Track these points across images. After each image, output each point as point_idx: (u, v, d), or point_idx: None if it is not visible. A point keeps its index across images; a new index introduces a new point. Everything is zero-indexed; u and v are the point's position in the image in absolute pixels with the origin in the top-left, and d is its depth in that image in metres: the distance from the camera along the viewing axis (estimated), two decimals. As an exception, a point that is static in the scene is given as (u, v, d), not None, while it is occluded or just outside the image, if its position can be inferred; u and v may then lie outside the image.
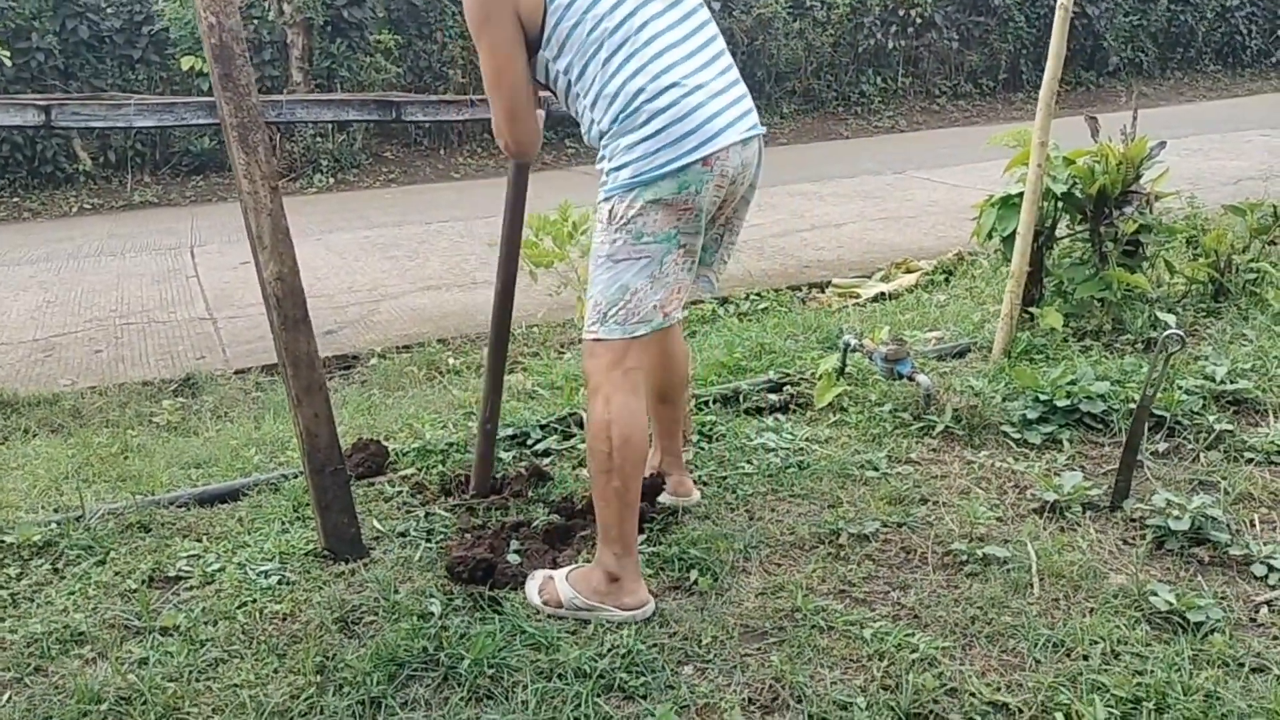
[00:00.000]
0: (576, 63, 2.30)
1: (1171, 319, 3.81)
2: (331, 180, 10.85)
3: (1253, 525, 2.72)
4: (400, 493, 3.08)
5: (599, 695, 2.11)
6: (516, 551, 2.67)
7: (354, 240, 7.96)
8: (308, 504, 2.85)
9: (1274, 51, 16.63)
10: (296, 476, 3.14)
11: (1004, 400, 3.46)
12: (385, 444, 3.33)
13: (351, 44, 11.35)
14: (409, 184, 10.92)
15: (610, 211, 2.29)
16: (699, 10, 2.39)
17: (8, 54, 2.83)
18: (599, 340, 2.35)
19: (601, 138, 2.33)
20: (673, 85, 2.25)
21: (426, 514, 2.93)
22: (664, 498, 2.87)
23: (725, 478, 3.08)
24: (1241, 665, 2.15)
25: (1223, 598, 2.40)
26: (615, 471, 2.32)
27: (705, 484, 3.01)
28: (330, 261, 7.25)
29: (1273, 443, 3.08)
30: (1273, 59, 16.67)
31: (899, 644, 2.23)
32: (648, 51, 2.26)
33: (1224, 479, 2.93)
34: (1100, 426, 3.32)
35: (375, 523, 2.88)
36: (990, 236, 4.19)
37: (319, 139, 11.09)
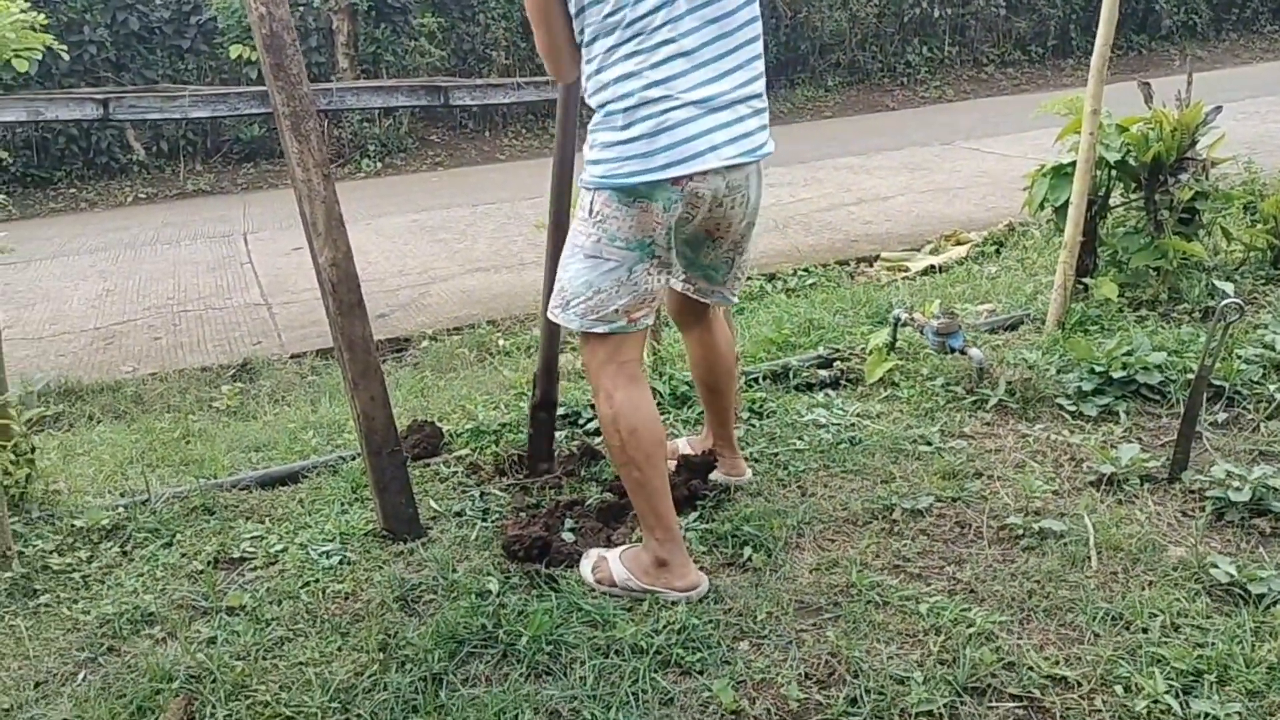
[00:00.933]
0: (589, 33, 2.27)
1: (1229, 287, 3.73)
2: (379, 165, 10.94)
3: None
4: (456, 473, 3.12)
5: (656, 671, 2.14)
6: (571, 530, 2.70)
7: (403, 224, 8.03)
8: (366, 485, 2.90)
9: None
10: (354, 458, 3.19)
11: (1058, 372, 3.42)
12: (439, 425, 3.37)
13: (395, 28, 11.41)
14: (455, 167, 10.98)
15: (590, 204, 2.30)
16: (739, 19, 2.26)
17: (64, 48, 2.90)
18: (589, 336, 2.36)
19: (591, 117, 2.32)
20: (664, 97, 2.19)
21: (482, 494, 2.97)
22: (717, 475, 2.88)
23: (777, 454, 3.08)
24: (1306, 637, 2.12)
25: (1286, 569, 2.37)
26: (631, 464, 2.35)
27: (756, 461, 3.02)
28: (380, 246, 7.33)
29: (1337, 412, 3.02)
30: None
31: (955, 618, 2.23)
32: (655, 55, 2.19)
33: (1286, 449, 2.88)
34: (1157, 398, 3.27)
35: (432, 503, 2.93)
36: (1042, 207, 4.13)
37: (366, 124, 11.18)
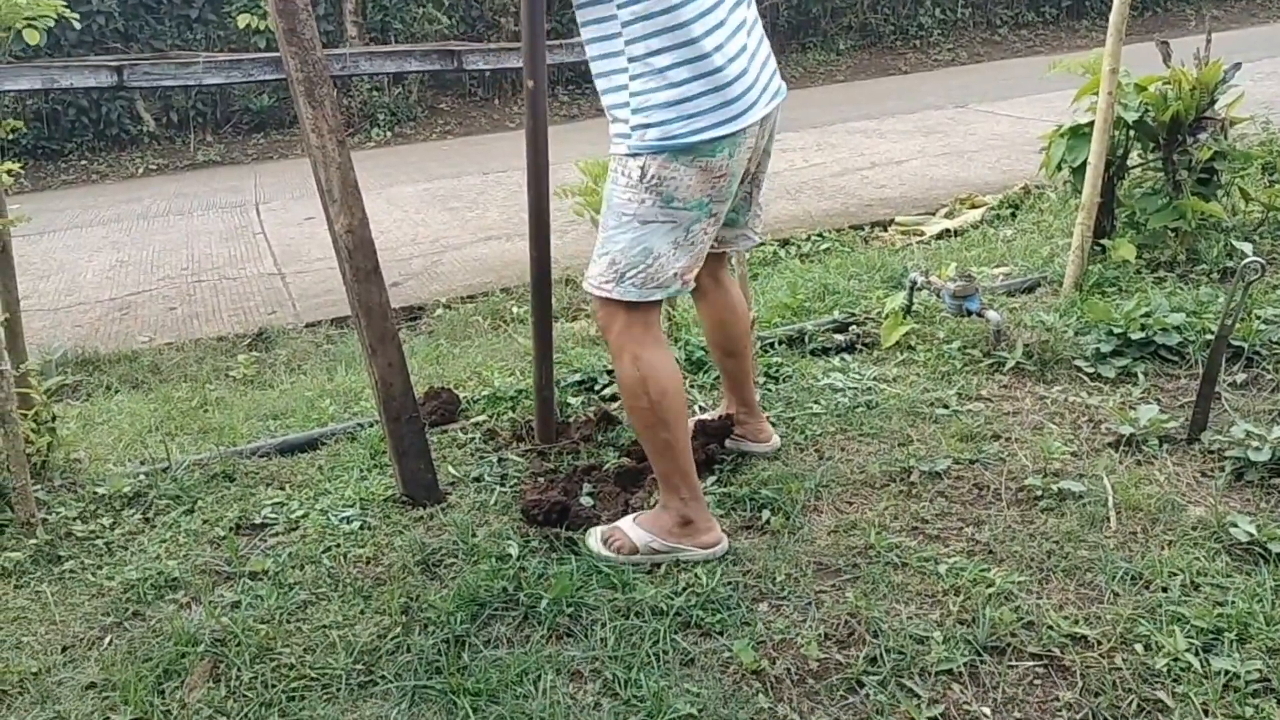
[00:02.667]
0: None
1: (1249, 247, 3.69)
2: (389, 134, 10.91)
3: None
4: (473, 439, 3.13)
5: (676, 632, 2.15)
6: (589, 494, 2.71)
7: (414, 193, 8.02)
8: (384, 452, 2.91)
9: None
10: (372, 425, 3.21)
11: (1076, 334, 3.40)
12: (456, 392, 3.38)
13: (403, -5, 11.33)
14: (465, 135, 10.95)
15: (642, 169, 2.19)
16: None
17: (76, 16, 2.89)
18: (611, 300, 2.29)
19: (632, 80, 2.18)
20: (717, 49, 2.16)
21: (499, 459, 2.98)
22: (748, 445, 2.88)
23: (794, 418, 3.09)
24: (1326, 595, 2.12)
25: (1306, 528, 2.36)
26: (660, 424, 2.32)
27: (774, 424, 3.01)
28: (392, 214, 7.32)
29: (1357, 371, 3.01)
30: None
31: (975, 579, 2.24)
32: (702, 6, 2.15)
33: (1306, 409, 2.87)
34: (1176, 359, 3.26)
35: (450, 468, 2.94)
36: (1059, 168, 4.10)
37: (376, 93, 11.15)
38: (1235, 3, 15.37)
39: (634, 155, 2.21)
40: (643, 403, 2.31)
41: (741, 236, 2.63)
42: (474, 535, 2.56)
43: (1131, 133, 3.95)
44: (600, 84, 2.28)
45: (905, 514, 2.54)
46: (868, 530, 2.46)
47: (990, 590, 2.20)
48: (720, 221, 2.37)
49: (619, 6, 2.14)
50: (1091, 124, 3.78)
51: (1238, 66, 3.91)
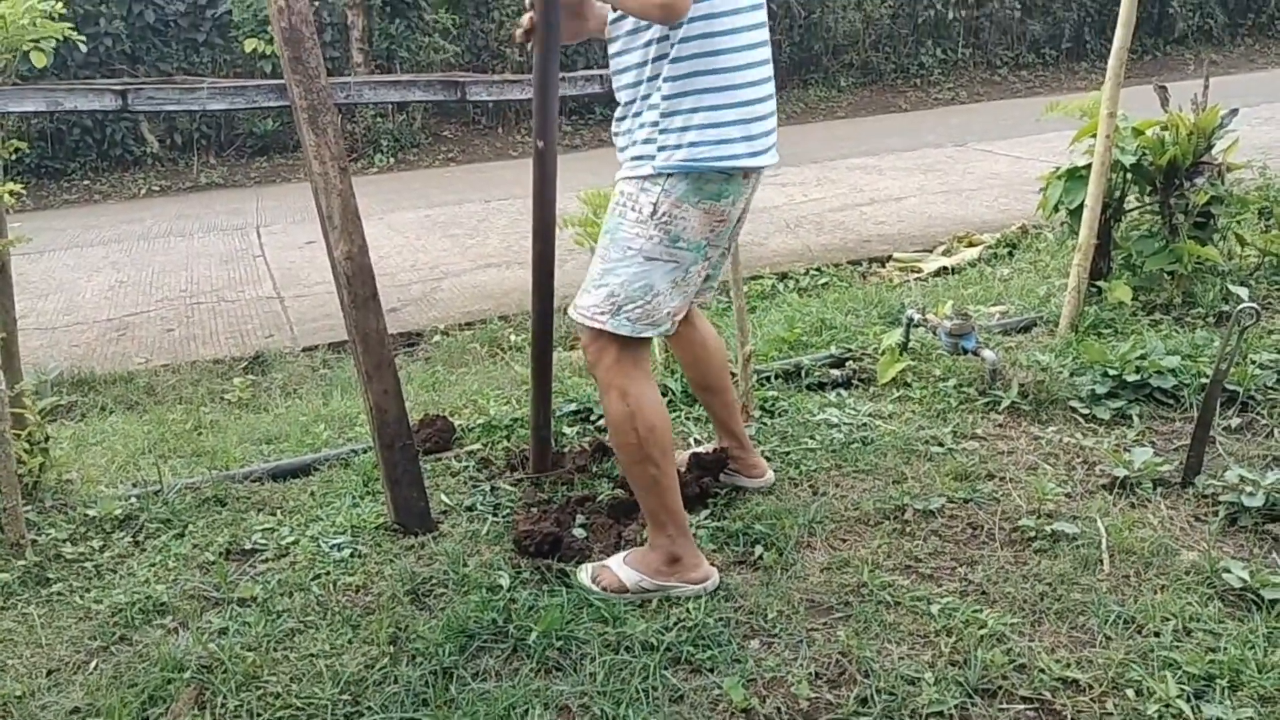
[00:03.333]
0: (726, 21, 2.19)
1: (1244, 292, 3.71)
2: (392, 160, 10.97)
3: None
4: (467, 467, 3.13)
5: (666, 668, 2.14)
6: (582, 525, 2.70)
7: (415, 219, 8.05)
8: (377, 479, 2.91)
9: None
10: (366, 452, 3.20)
11: (1071, 375, 3.41)
12: (451, 420, 3.38)
13: (410, 24, 11.43)
14: (468, 163, 11.00)
15: (654, 206, 2.23)
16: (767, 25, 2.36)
17: (83, 39, 2.92)
18: (604, 334, 2.29)
19: (664, 100, 2.20)
20: (749, 85, 2.23)
21: (493, 488, 2.97)
22: (741, 480, 2.87)
23: (788, 453, 3.08)
24: (1319, 644, 2.11)
25: (1299, 575, 2.35)
26: (647, 460, 2.32)
27: (768, 459, 3.01)
28: (393, 240, 7.34)
29: (1352, 418, 3.01)
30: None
31: (967, 620, 2.23)
32: (755, 54, 2.25)
33: (1300, 455, 2.87)
34: (1171, 402, 3.26)
35: (443, 497, 2.93)
36: (1057, 209, 4.13)
37: (379, 119, 11.21)
38: (1233, 49, 15.52)
39: (647, 188, 2.23)
40: (631, 438, 2.31)
41: (708, 288, 2.63)
42: (465, 565, 2.55)
43: (1129, 176, 3.98)
44: (631, 104, 2.29)
45: (898, 552, 2.53)
46: (861, 568, 2.45)
47: (982, 632, 2.19)
48: (709, 267, 2.41)
49: (671, 29, 2.17)
50: (1089, 166, 3.80)
51: (1234, 112, 3.94)
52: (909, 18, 13.80)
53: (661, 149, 2.21)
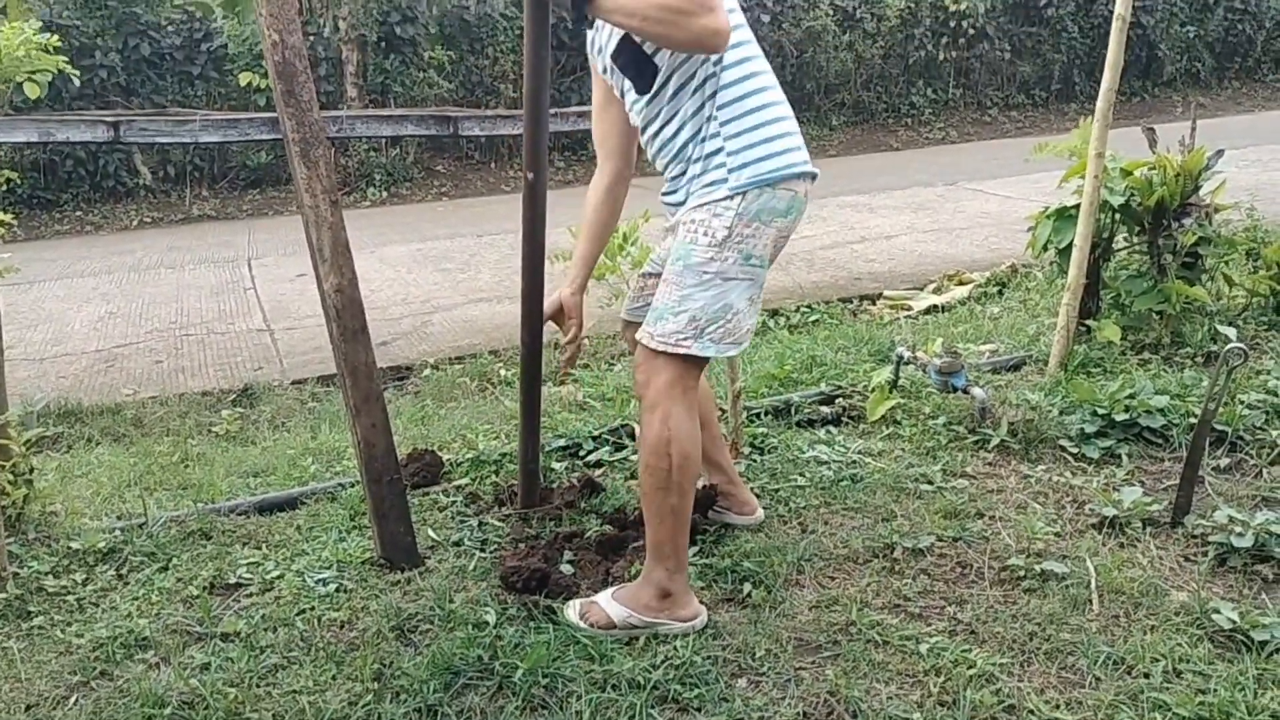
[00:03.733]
0: (748, 49, 2.37)
1: (1232, 332, 3.72)
2: (385, 194, 11.00)
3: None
4: (455, 502, 3.11)
5: (653, 706, 2.12)
6: (570, 562, 2.68)
7: (407, 253, 8.06)
8: (364, 513, 2.89)
9: (1336, 59, 16.26)
10: (353, 485, 3.18)
11: (1061, 414, 3.41)
12: (439, 454, 3.36)
13: (405, 60, 11.51)
14: (460, 197, 11.04)
15: (729, 230, 2.29)
16: None
17: (76, 73, 2.93)
18: (674, 356, 2.31)
19: (723, 127, 2.32)
20: (784, 104, 2.41)
21: (480, 524, 2.96)
22: (731, 517, 2.87)
23: (778, 490, 3.07)
24: (1309, 686, 2.10)
25: (1289, 617, 2.35)
26: (673, 489, 2.32)
27: (758, 496, 3.00)
28: (384, 274, 7.35)
29: (1340, 459, 3.01)
30: (1335, 67, 16.31)
31: (956, 659, 2.21)
32: (764, 66, 2.42)
33: (1289, 495, 2.87)
34: (1160, 441, 3.27)
35: (430, 532, 2.91)
36: (1046, 248, 4.15)
37: (373, 153, 11.26)
38: (1220, 92, 15.70)
39: (719, 213, 2.31)
40: (663, 463, 2.31)
41: None
42: (451, 601, 2.52)
43: (1117, 216, 4.01)
44: (686, 158, 2.38)
45: (887, 591, 2.52)
46: (849, 606, 2.44)
47: (971, 671, 2.17)
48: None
49: (715, 65, 2.31)
50: (1078, 206, 3.83)
51: (1220, 153, 3.98)
52: (900, 58, 13.94)
53: (732, 170, 2.31)
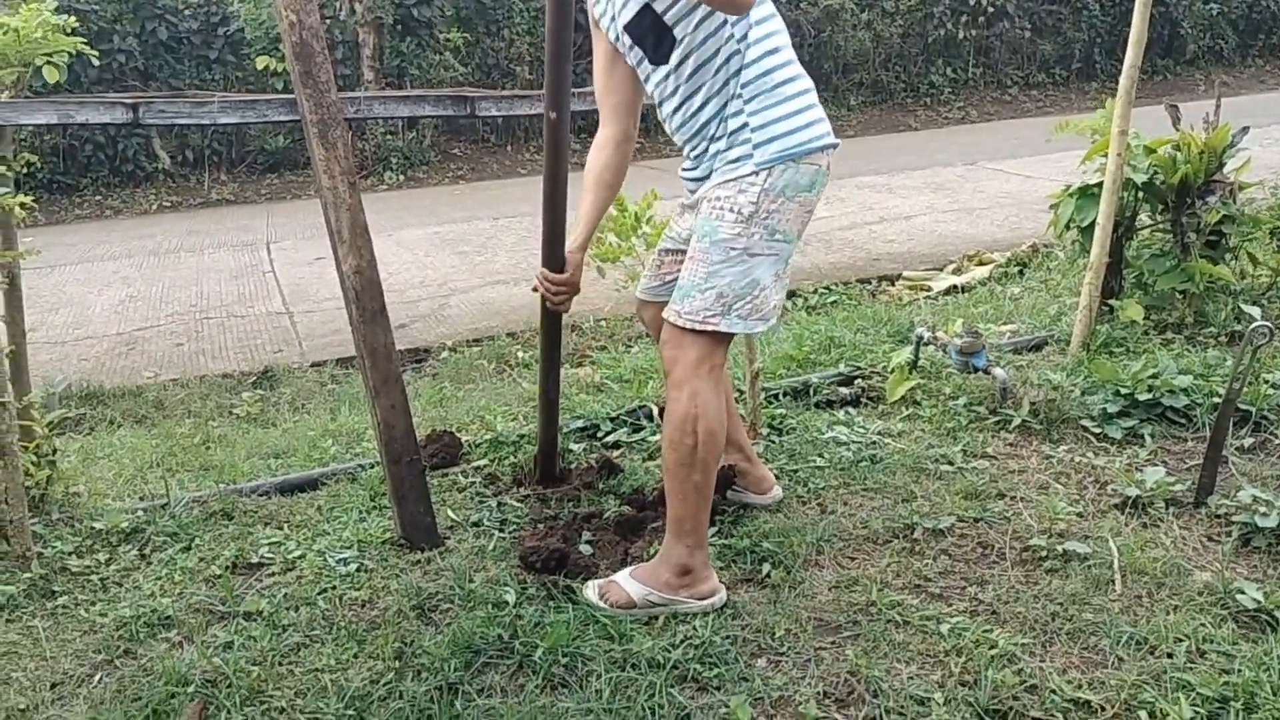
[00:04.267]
0: (772, 23, 2.37)
1: (1257, 311, 3.69)
2: (402, 177, 11.00)
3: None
4: (474, 483, 3.12)
5: (672, 685, 2.12)
6: (589, 542, 2.69)
7: (424, 236, 8.06)
8: (384, 494, 2.90)
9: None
10: (373, 466, 3.19)
11: (1083, 394, 3.39)
12: (458, 435, 3.37)
13: (421, 42, 11.49)
14: (477, 180, 11.04)
15: (755, 205, 2.29)
16: None
17: (95, 53, 2.94)
18: (702, 333, 2.31)
19: (747, 104, 2.31)
20: (804, 74, 2.41)
21: (499, 504, 2.96)
22: (750, 497, 2.86)
23: (796, 471, 3.07)
24: (1335, 666, 2.08)
25: (1314, 597, 2.32)
26: (697, 466, 2.31)
27: (777, 477, 2.99)
28: (401, 257, 7.36)
29: (1366, 438, 2.98)
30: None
31: (977, 640, 2.20)
32: (786, 41, 2.42)
33: (1314, 475, 2.85)
34: (1183, 421, 3.24)
35: (450, 512, 2.92)
36: (1068, 228, 4.11)
37: (389, 136, 11.26)
38: (1244, 70, 15.51)
39: (745, 188, 2.30)
40: (688, 440, 2.30)
41: None
42: (471, 581, 2.53)
43: (1140, 194, 3.97)
44: (708, 135, 2.37)
45: (908, 571, 2.51)
46: (869, 587, 2.43)
47: (993, 652, 2.16)
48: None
49: (739, 42, 2.30)
50: (1100, 185, 3.79)
51: (1245, 130, 3.93)
52: (919, 37, 13.82)
53: (757, 146, 2.30)
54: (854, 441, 3.25)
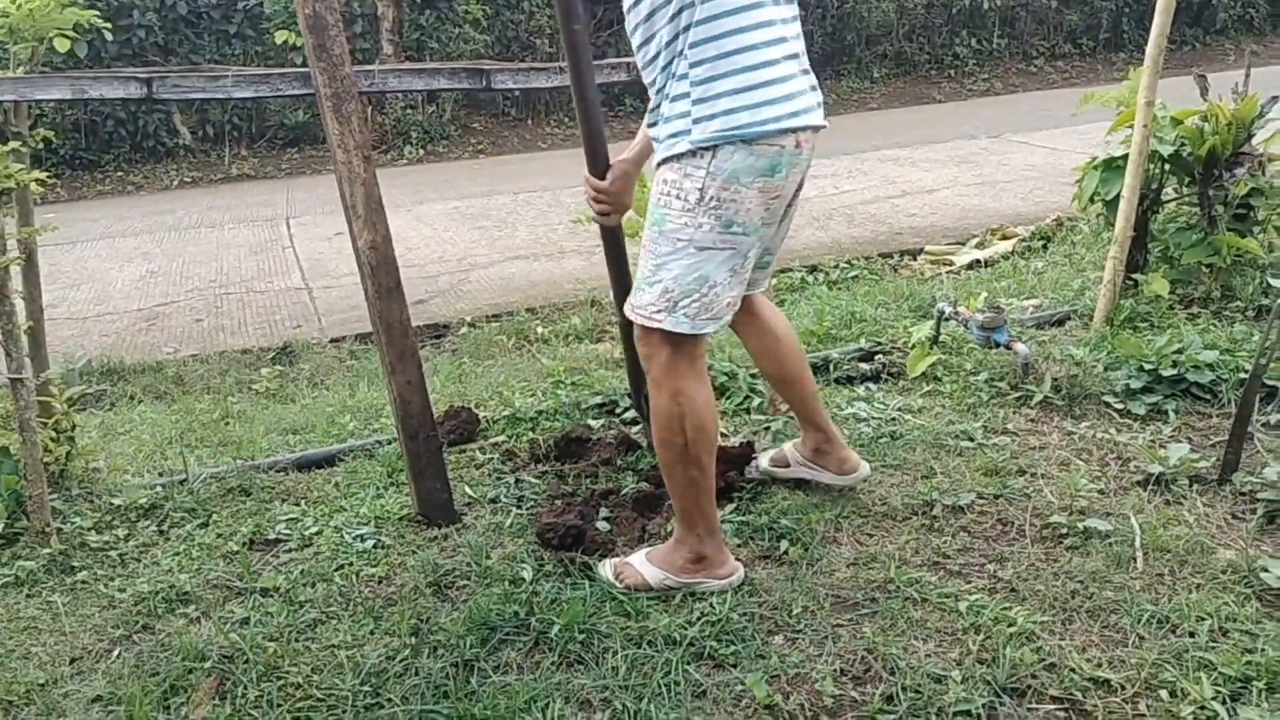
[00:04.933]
0: None
1: (1287, 285, 3.63)
2: (421, 152, 10.98)
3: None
4: (491, 459, 3.11)
5: (689, 662, 2.11)
6: (606, 519, 2.68)
7: (444, 211, 8.05)
8: (401, 470, 2.90)
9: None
10: (390, 443, 3.19)
11: (1106, 370, 3.34)
12: (476, 411, 3.36)
13: (440, 15, 11.45)
14: (497, 154, 11.00)
15: (701, 191, 2.10)
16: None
17: (109, 25, 2.93)
18: (662, 330, 2.20)
19: (692, 69, 2.09)
20: (775, 56, 2.12)
21: (517, 480, 2.96)
22: (829, 478, 2.72)
23: (815, 447, 3.04)
24: (1361, 646, 2.05)
25: (1340, 576, 2.29)
26: (690, 462, 2.26)
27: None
28: (421, 232, 7.35)
29: (1396, 415, 2.93)
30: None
31: (996, 617, 2.18)
32: (778, 11, 2.15)
33: (1342, 452, 2.80)
34: (1208, 397, 3.19)
35: (467, 489, 2.92)
36: (1093, 201, 4.05)
37: (409, 110, 11.24)
38: (1275, 38, 15.24)
39: (690, 172, 2.11)
40: (678, 439, 2.24)
41: (764, 276, 2.55)
42: (488, 557, 2.53)
43: (1166, 166, 3.90)
44: (662, 89, 2.17)
45: (926, 548, 2.49)
46: (887, 564, 2.41)
47: (1011, 630, 2.14)
48: (765, 248, 2.33)
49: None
50: (1126, 157, 3.72)
51: (1276, 99, 3.85)
52: (944, 7, 13.65)
53: (697, 121, 2.08)
54: (874, 418, 3.23)
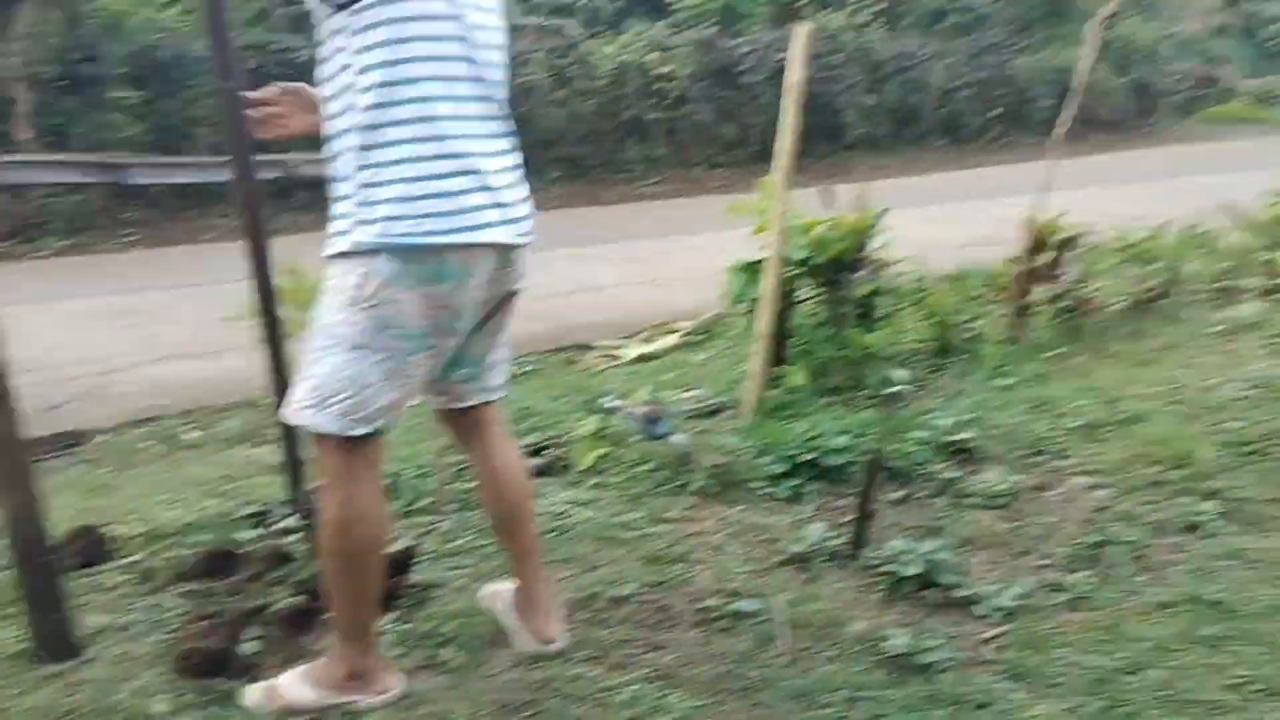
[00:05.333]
0: (378, 54, 1.94)
1: (905, 374, 4.06)
2: (67, 243, 10.07)
3: (980, 566, 2.90)
4: (127, 581, 2.84)
5: (342, 788, 1.99)
6: (255, 639, 2.50)
7: (89, 307, 7.40)
8: (13, 601, 2.57)
9: (990, 129, 18.28)
10: (3, 570, 2.83)
11: (756, 456, 3.56)
12: (107, 529, 3.06)
13: (87, 100, 10.66)
14: (155, 246, 10.27)
15: (358, 290, 1.99)
16: (501, 90, 2.14)
17: None
18: (335, 435, 2.08)
19: (359, 170, 1.99)
20: (468, 153, 2.02)
21: (155, 603, 2.70)
22: (523, 642, 2.48)
23: (484, 547, 3.01)
24: (969, 701, 2.26)
25: (952, 637, 2.52)
26: (357, 572, 2.16)
27: (460, 554, 2.94)
28: (59, 331, 6.70)
29: (991, 487, 3.31)
30: (989, 136, 18.32)
31: (653, 707, 2.23)
32: (471, 108, 2.04)
33: (950, 523, 3.12)
34: (843, 478, 3.47)
35: (94, 617, 2.63)
36: (739, 300, 4.36)
37: (51, 199, 10.29)
38: (899, 155, 17.26)
39: (350, 268, 1.99)
40: (346, 547, 2.12)
41: (480, 390, 2.36)
42: (117, 692, 2.28)
43: (800, 269, 4.27)
44: (338, 179, 2.04)
45: (589, 643, 2.51)
46: (551, 662, 2.41)
47: (668, 717, 2.20)
48: (441, 358, 2.14)
49: (352, 55, 1.94)
50: (765, 260, 4.05)
51: (885, 211, 4.34)
52: (612, 116, 14.41)
53: (360, 223, 1.97)
54: (544, 512, 3.24)
